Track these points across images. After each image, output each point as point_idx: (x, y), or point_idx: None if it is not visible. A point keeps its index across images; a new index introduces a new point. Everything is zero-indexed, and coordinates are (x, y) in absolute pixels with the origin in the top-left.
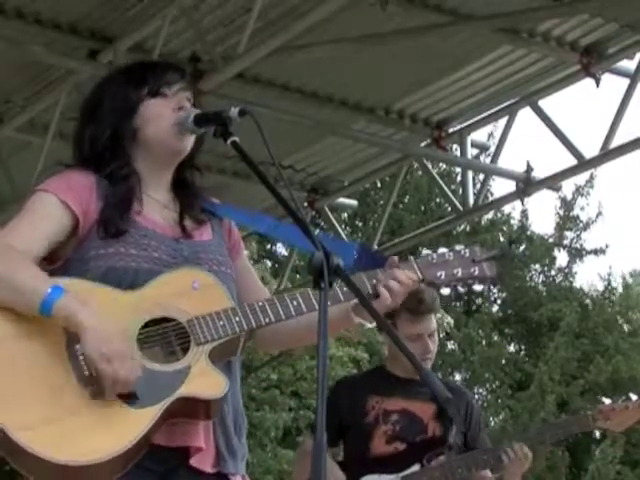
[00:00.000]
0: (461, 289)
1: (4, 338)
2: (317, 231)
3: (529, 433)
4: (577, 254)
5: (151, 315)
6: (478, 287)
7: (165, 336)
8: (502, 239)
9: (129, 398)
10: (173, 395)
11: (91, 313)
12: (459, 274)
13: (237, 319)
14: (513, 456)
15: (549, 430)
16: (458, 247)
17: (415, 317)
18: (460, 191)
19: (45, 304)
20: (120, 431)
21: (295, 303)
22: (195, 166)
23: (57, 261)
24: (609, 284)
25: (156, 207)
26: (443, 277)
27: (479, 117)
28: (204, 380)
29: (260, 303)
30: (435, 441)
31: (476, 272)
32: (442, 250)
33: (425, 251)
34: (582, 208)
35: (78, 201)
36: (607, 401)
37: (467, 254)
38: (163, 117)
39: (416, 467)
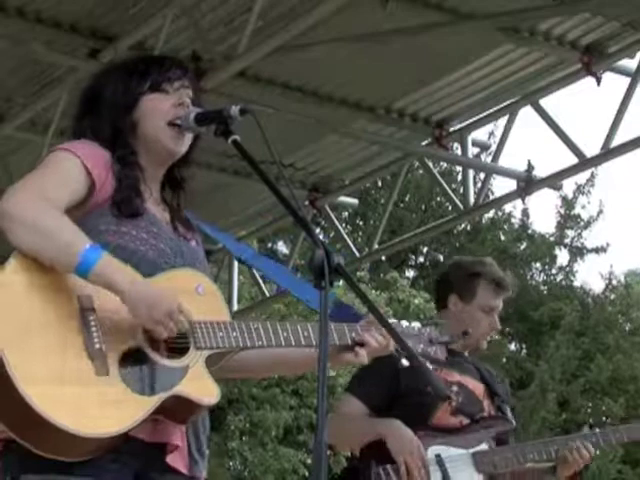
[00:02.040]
0: (416, 363)
1: (28, 286)
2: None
3: (592, 433)
4: (578, 253)
5: None
6: (430, 366)
7: None
8: (503, 238)
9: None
10: (170, 390)
11: (130, 280)
12: (419, 349)
13: (235, 335)
14: (585, 453)
15: (613, 433)
16: (417, 325)
17: (498, 290)
18: (461, 190)
19: (82, 266)
20: (120, 412)
21: (285, 335)
22: (186, 165)
23: None
24: (610, 282)
25: (152, 201)
26: (408, 346)
27: (480, 116)
28: (199, 384)
29: (255, 325)
30: (493, 420)
31: (432, 352)
32: (405, 323)
33: (392, 320)
34: (583, 207)
35: (98, 171)
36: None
37: (426, 333)
38: (161, 112)
39: (484, 445)
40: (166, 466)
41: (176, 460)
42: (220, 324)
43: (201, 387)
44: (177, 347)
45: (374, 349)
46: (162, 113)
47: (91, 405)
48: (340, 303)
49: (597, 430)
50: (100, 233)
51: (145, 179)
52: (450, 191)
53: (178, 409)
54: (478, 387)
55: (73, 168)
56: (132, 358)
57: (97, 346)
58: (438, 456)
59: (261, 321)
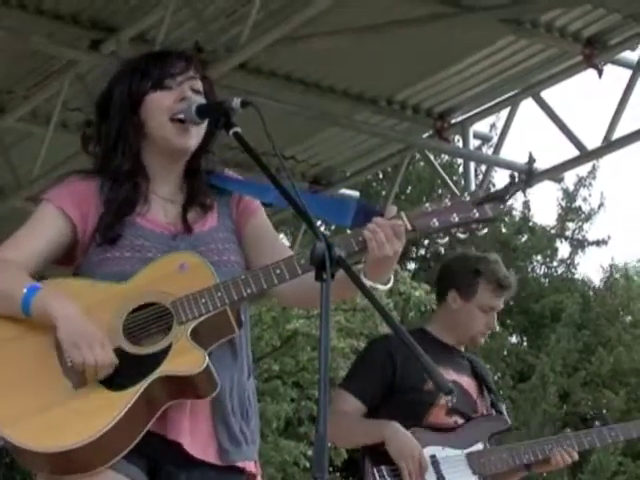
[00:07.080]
0: (461, 235)
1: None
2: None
3: (588, 433)
4: (579, 245)
5: (138, 302)
6: (481, 230)
7: (150, 320)
8: (504, 230)
9: (110, 383)
10: (152, 375)
11: (62, 304)
12: (456, 219)
13: (219, 294)
14: (567, 458)
15: (609, 432)
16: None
17: (499, 290)
18: (462, 182)
19: (24, 306)
20: (99, 416)
21: (278, 271)
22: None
23: (74, 261)
24: (611, 275)
25: (160, 204)
26: (437, 224)
27: (481, 108)
28: (183, 357)
29: (243, 276)
30: (489, 419)
31: (476, 215)
32: (442, 199)
33: (427, 204)
34: (584, 199)
35: (77, 207)
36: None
37: (467, 198)
38: (164, 109)
39: (479, 445)
40: (190, 460)
41: (201, 451)
42: (202, 291)
43: (185, 359)
44: (167, 330)
45: (381, 242)
46: (165, 110)
47: (71, 419)
48: (361, 206)
49: (593, 428)
50: (92, 267)
51: (154, 181)
52: (451, 183)
53: (177, 388)
54: (472, 385)
55: (46, 217)
56: None
57: (69, 364)
58: (433, 457)
59: (255, 269)
